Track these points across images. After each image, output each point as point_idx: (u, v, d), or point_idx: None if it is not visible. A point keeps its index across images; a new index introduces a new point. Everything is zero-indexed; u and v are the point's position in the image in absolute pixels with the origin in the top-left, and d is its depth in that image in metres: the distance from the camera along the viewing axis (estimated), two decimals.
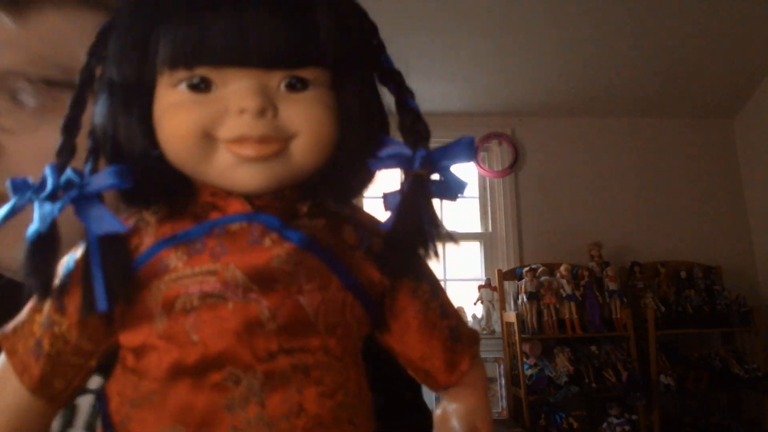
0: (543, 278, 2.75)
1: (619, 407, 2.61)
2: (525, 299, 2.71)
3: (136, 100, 0.27)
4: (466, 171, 3.25)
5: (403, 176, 0.29)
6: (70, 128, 0.29)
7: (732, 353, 2.78)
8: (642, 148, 3.27)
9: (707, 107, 3.27)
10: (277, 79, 0.27)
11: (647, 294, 2.81)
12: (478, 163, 3.16)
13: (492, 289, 2.92)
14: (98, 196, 0.27)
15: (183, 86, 0.27)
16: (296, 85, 0.27)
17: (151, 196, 0.29)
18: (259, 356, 0.27)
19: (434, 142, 0.28)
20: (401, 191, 0.29)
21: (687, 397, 2.79)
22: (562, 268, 2.79)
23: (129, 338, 0.28)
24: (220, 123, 0.27)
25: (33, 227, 0.26)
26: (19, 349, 0.29)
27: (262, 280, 0.27)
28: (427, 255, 0.29)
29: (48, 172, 0.27)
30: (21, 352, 0.29)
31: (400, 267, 0.30)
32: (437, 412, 0.35)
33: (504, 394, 2.73)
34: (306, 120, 0.27)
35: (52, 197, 0.26)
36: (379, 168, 0.29)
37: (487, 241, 3.16)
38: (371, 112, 0.30)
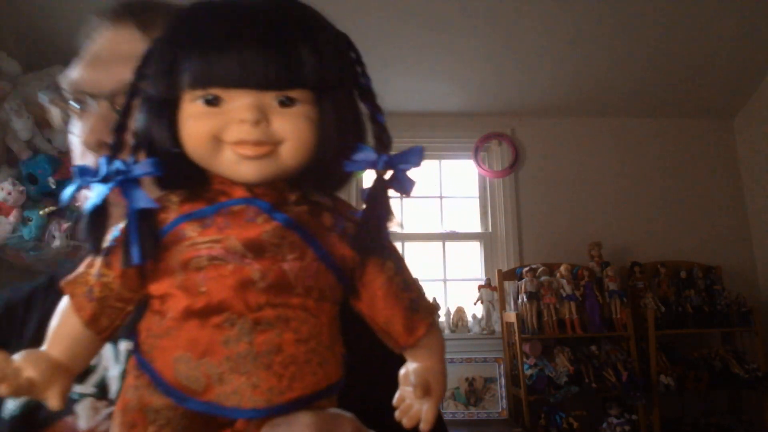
0: (543, 278, 2.75)
1: (619, 407, 2.61)
2: (525, 299, 2.71)
3: (166, 111, 0.36)
4: (466, 171, 3.25)
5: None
6: (120, 130, 0.38)
7: (732, 353, 2.78)
8: (642, 148, 3.27)
9: (707, 107, 3.27)
10: (270, 97, 0.35)
11: (647, 294, 2.81)
12: (477, 163, 3.16)
13: (492, 289, 2.93)
14: (137, 181, 0.36)
15: (200, 101, 0.35)
16: (286, 102, 0.36)
17: (176, 183, 0.38)
18: (250, 307, 0.35)
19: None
20: (368, 190, 0.37)
21: (687, 397, 2.79)
22: (562, 268, 2.79)
23: (156, 288, 0.37)
24: (226, 129, 0.35)
25: (91, 202, 0.36)
26: (77, 293, 0.37)
27: (254, 248, 0.35)
28: (388, 236, 0.38)
29: (102, 162, 0.36)
30: (78, 295, 0.37)
31: (368, 246, 0.38)
32: (401, 372, 0.41)
33: (504, 394, 2.73)
34: (291, 129, 0.36)
35: (105, 180, 0.36)
36: (353, 169, 0.37)
37: (487, 241, 3.17)
38: (346, 124, 0.38)
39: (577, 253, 2.95)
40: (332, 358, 0.38)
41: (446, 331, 2.90)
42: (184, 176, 0.37)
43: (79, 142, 0.59)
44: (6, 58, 2.19)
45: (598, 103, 3.19)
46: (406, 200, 3.23)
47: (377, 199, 0.37)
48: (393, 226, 0.38)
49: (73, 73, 0.60)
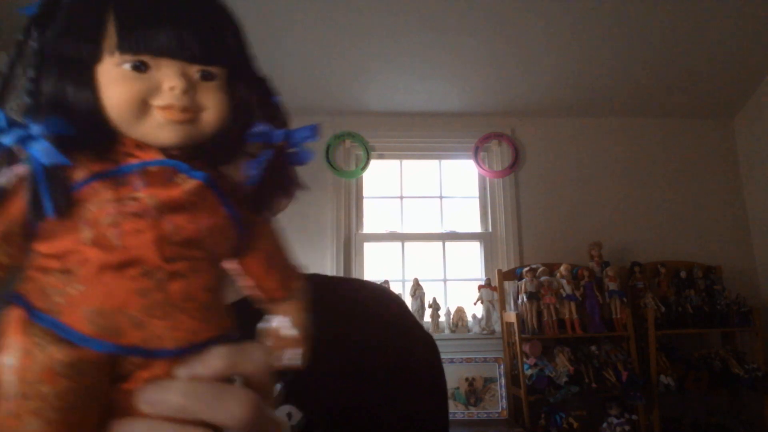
0: (543, 278, 2.75)
1: (619, 407, 2.61)
2: (525, 299, 2.71)
3: (86, 72, 0.37)
4: (466, 171, 3.25)
5: (265, 149, 0.42)
6: (5, 89, 0.39)
7: (732, 353, 2.78)
8: (642, 148, 3.27)
9: (707, 107, 3.27)
10: (194, 70, 0.39)
11: (647, 294, 2.81)
12: (477, 163, 3.16)
13: (492, 289, 2.93)
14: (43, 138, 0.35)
15: (127, 66, 0.37)
16: (207, 76, 0.39)
17: (85, 143, 0.37)
18: (166, 259, 0.37)
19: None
20: (266, 158, 0.41)
21: (687, 397, 2.79)
22: (562, 268, 2.79)
23: (52, 246, 0.36)
24: (154, 94, 0.37)
25: None
26: None
27: (172, 205, 0.37)
28: (288, 200, 0.43)
29: None
30: None
31: (263, 207, 0.42)
32: (267, 327, 0.44)
33: (504, 394, 2.73)
34: (212, 99, 0.40)
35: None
36: (251, 141, 0.41)
37: (487, 241, 3.16)
38: (250, 101, 0.42)
39: (577, 253, 2.95)
40: (226, 306, 0.41)
41: (446, 331, 2.91)
42: (94, 138, 0.38)
43: None
44: (6, 58, 2.19)
45: (599, 103, 3.19)
46: (406, 200, 3.23)
47: (275, 166, 0.41)
48: (295, 192, 0.43)
49: None
